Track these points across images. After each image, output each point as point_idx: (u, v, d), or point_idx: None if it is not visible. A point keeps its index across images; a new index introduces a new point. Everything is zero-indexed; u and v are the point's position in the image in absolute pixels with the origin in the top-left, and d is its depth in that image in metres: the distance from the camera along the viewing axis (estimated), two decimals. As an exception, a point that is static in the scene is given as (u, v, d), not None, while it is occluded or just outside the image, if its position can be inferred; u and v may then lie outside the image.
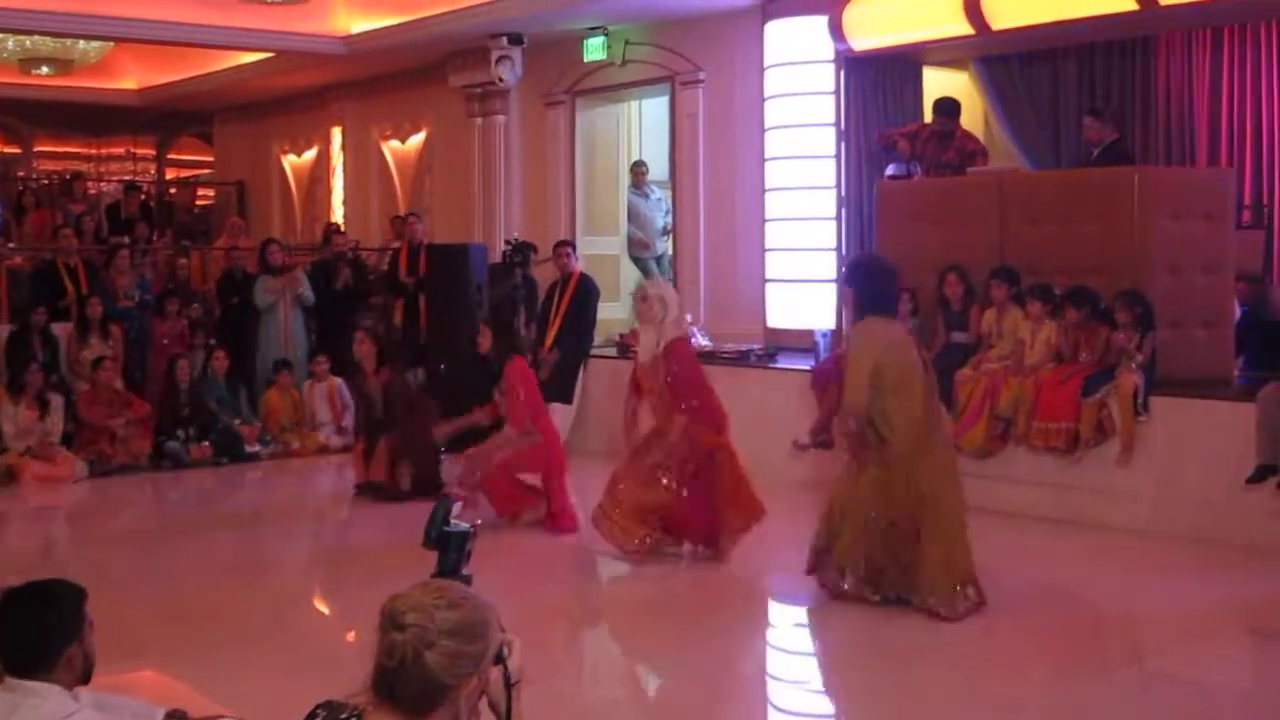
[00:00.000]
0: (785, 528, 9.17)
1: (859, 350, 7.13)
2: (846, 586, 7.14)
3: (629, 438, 8.46)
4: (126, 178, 22.74)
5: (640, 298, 8.31)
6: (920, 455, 6.99)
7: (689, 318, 8.60)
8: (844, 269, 7.85)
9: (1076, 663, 6.44)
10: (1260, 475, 8.17)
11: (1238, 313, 9.94)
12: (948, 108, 11.42)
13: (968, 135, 11.53)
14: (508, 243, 13.87)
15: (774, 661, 7.05)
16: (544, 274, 12.84)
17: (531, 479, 9.53)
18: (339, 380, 12.87)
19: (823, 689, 6.67)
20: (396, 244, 14.81)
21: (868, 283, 7.29)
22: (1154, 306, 9.01)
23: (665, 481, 8.10)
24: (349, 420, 12.83)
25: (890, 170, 11.70)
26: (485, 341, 10.43)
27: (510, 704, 2.63)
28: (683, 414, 8.04)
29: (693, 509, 8.13)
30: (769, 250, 12.93)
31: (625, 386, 8.59)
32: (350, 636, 6.97)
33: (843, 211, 12.50)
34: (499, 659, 2.57)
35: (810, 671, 6.95)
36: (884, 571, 7.08)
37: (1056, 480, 9.20)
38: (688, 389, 8.11)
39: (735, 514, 8.15)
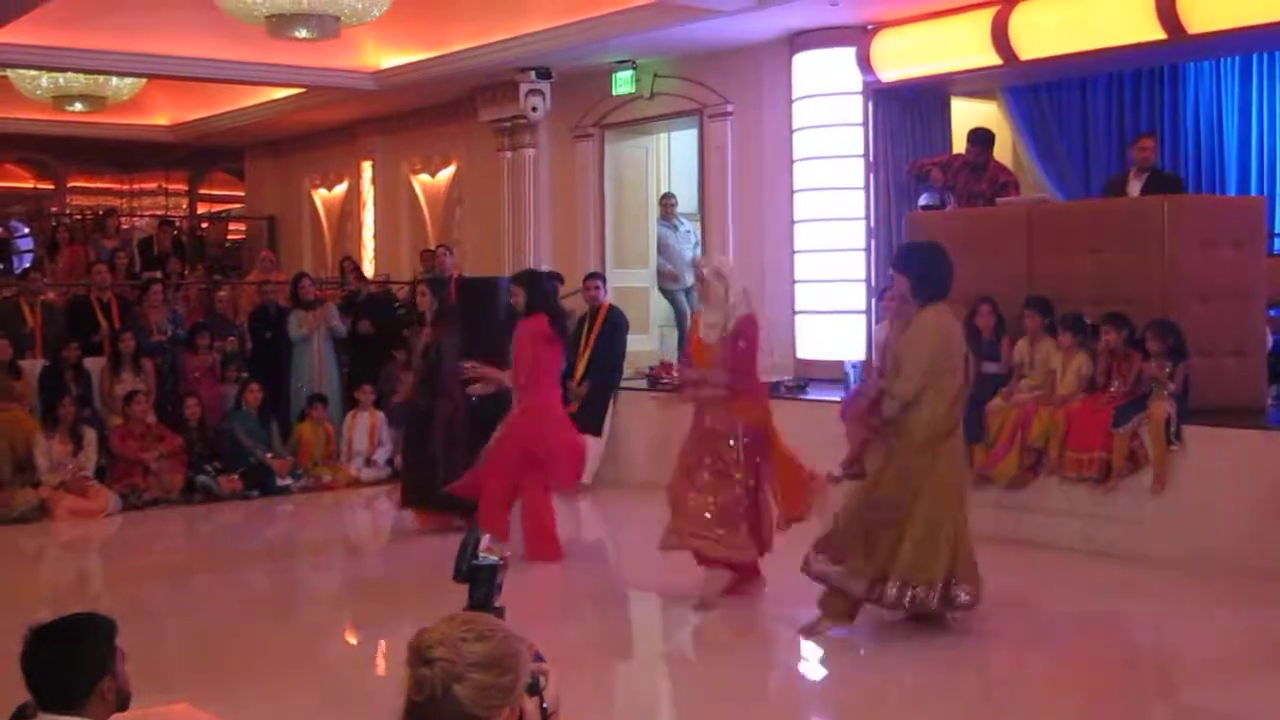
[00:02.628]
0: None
1: (920, 338, 6.94)
2: (813, 565, 7.15)
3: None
4: (159, 213, 22.93)
5: (697, 279, 8.06)
6: (925, 453, 6.94)
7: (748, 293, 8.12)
8: (897, 253, 7.61)
9: (1110, 695, 6.40)
10: (1294, 504, 8.12)
11: (1270, 340, 9.89)
12: (982, 138, 11.41)
13: (1000, 166, 11.52)
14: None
15: (806, 695, 7.02)
16: (572, 306, 12.85)
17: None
18: (381, 414, 12.93)
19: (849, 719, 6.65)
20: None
21: (929, 268, 7.10)
22: (1185, 335, 8.97)
23: (739, 476, 7.78)
24: (381, 455, 12.88)
25: (924, 200, 11.69)
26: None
27: (548, 734, 2.62)
28: (740, 396, 7.75)
29: (759, 498, 7.89)
30: (798, 282, 12.94)
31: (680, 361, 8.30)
32: (381, 670, 6.98)
33: (872, 243, 12.50)
34: (534, 689, 2.56)
35: (842, 703, 6.92)
36: (848, 548, 7.03)
37: (1089, 511, 9.14)
38: (747, 370, 7.80)
39: (791, 496, 7.89)
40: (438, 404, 10.39)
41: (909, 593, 6.90)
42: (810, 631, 7.18)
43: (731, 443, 7.79)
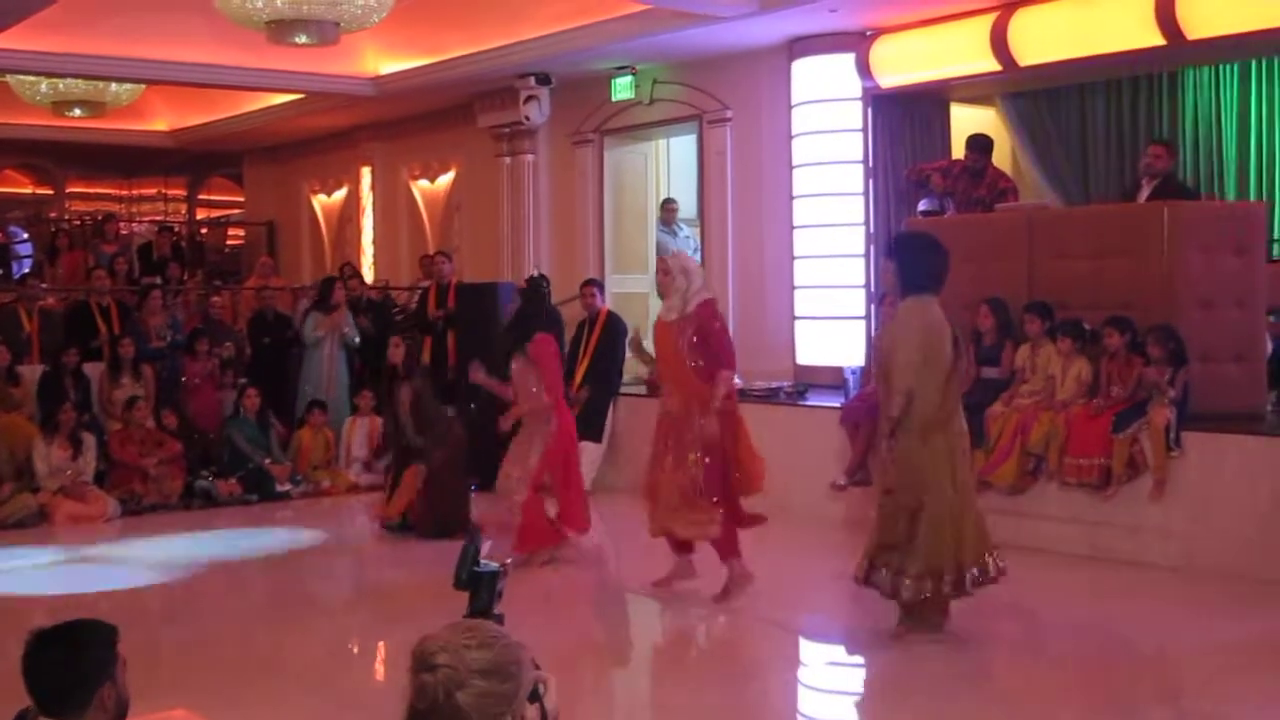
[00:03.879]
0: (817, 566, 9.17)
1: (908, 331, 6.95)
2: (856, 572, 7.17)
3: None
4: (158, 218, 22.93)
5: (662, 271, 8.18)
6: (924, 441, 6.92)
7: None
8: (891, 242, 7.59)
9: (1110, 701, 6.39)
10: (1295, 510, 8.13)
11: (1270, 346, 9.90)
12: (982, 144, 11.42)
13: (999, 173, 11.53)
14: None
15: (805, 701, 7.01)
16: (570, 313, 12.84)
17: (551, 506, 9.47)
18: (380, 419, 12.92)
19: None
20: (425, 283, 14.87)
21: (916, 258, 7.07)
22: (1185, 341, 8.97)
23: (693, 457, 7.89)
24: (380, 461, 12.88)
25: (923, 206, 11.69)
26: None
27: (548, 742, 2.62)
28: (703, 380, 7.88)
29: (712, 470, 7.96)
30: (798, 288, 12.95)
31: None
32: (381, 677, 6.97)
33: (871, 248, 12.51)
34: (535, 697, 2.56)
35: (842, 711, 6.91)
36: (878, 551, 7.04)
37: (1089, 516, 9.14)
38: (715, 349, 7.96)
39: (743, 475, 8.03)
40: (432, 446, 10.61)
41: (926, 584, 6.89)
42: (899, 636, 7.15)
43: (691, 423, 7.92)
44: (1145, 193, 10.06)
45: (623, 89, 14.59)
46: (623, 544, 10.26)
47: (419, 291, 14.82)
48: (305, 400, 13.40)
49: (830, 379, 11.82)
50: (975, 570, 6.95)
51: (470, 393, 11.12)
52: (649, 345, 8.54)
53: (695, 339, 7.95)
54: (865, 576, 7.13)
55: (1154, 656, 7.36)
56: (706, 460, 7.88)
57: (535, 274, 13.65)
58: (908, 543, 6.91)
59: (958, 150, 12.06)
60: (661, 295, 8.26)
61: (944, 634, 7.07)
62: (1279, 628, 7.67)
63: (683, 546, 8.24)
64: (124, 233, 20.26)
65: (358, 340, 13.66)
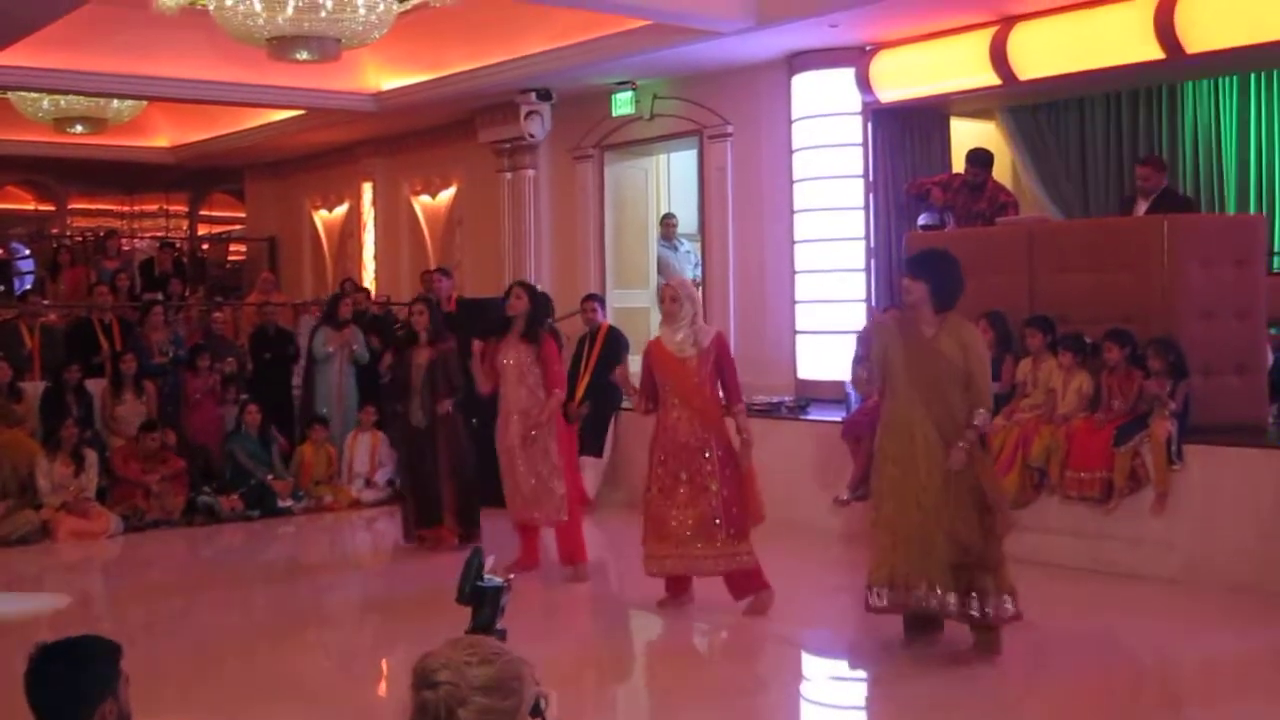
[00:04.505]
0: (819, 580, 9.17)
1: (980, 347, 7.02)
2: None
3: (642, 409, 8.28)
4: (159, 234, 22.96)
5: (671, 298, 8.11)
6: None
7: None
8: (912, 259, 7.60)
9: (1113, 715, 6.38)
10: (1296, 523, 8.13)
11: (1270, 359, 9.90)
12: (981, 159, 11.44)
13: (999, 187, 11.54)
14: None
15: (808, 715, 7.01)
16: (570, 328, 12.84)
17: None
18: (382, 435, 12.92)
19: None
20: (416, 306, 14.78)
21: (948, 274, 7.03)
22: (1186, 354, 8.97)
23: (714, 488, 7.87)
24: (382, 476, 12.88)
25: (923, 220, 11.69)
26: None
27: (548, 757, 2.63)
28: (735, 409, 7.97)
29: (729, 501, 7.94)
30: (799, 302, 12.96)
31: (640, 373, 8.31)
32: (383, 693, 6.97)
33: (872, 263, 12.52)
34: (536, 711, 2.56)
35: (844, 724, 6.92)
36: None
37: (1090, 530, 9.14)
38: (733, 383, 8.01)
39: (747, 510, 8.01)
40: (438, 423, 10.44)
41: (950, 597, 6.86)
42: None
43: (707, 454, 7.91)
44: (1143, 208, 10.08)
45: (623, 104, 14.61)
46: (623, 560, 10.25)
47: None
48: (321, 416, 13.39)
49: (832, 393, 11.81)
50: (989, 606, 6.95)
51: (473, 409, 11.10)
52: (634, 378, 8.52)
53: (717, 374, 8.00)
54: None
55: (1156, 669, 7.36)
56: (725, 493, 7.88)
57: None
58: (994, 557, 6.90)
59: (958, 164, 12.07)
60: (666, 322, 8.22)
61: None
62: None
63: (681, 584, 8.22)
64: (126, 249, 20.28)
65: (367, 358, 13.63)
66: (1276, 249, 11.44)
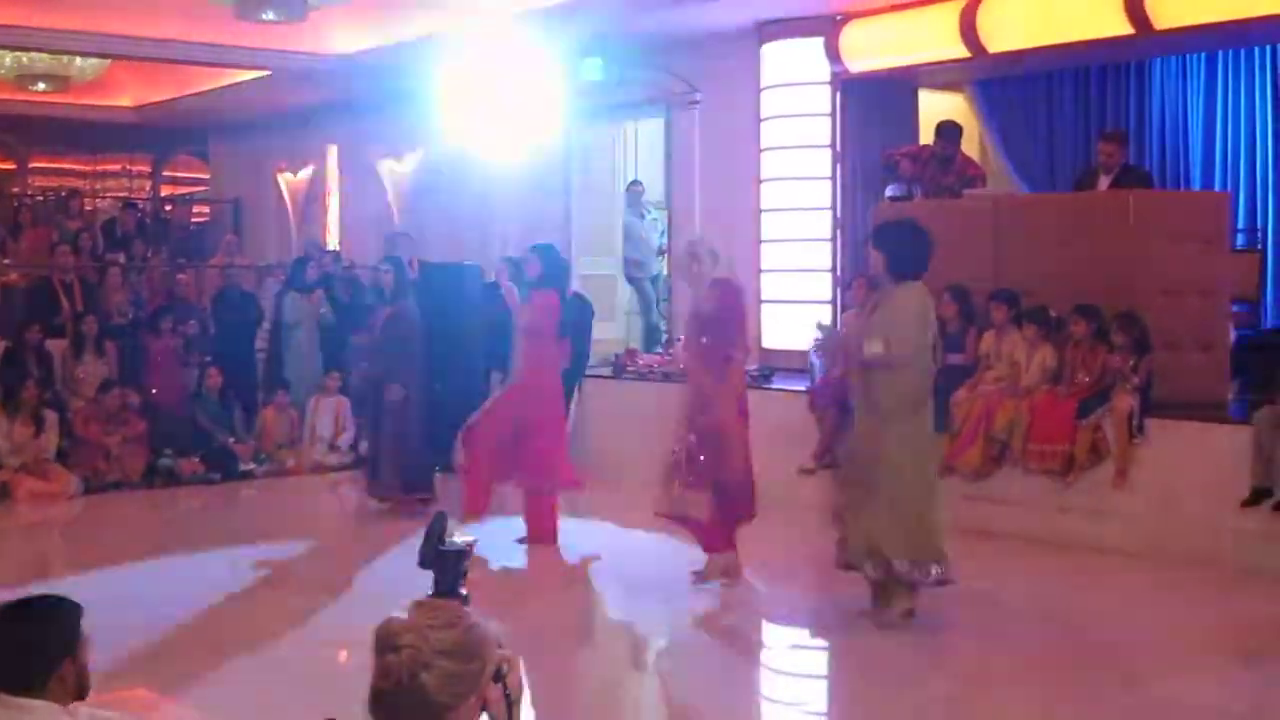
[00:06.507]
0: (784, 549, 9.19)
1: (905, 309, 6.99)
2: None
3: None
4: (122, 195, 22.74)
5: (692, 256, 7.99)
6: (889, 423, 6.96)
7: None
8: (874, 229, 7.64)
9: (1071, 686, 6.43)
10: (1255, 498, 8.19)
11: (1233, 336, 9.96)
12: (950, 132, 11.44)
13: (968, 160, 11.56)
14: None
15: (768, 683, 7.04)
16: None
17: None
18: (346, 399, 12.88)
19: (816, 711, 6.66)
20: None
21: (906, 244, 7.11)
22: (1150, 329, 9.02)
23: (693, 437, 7.89)
24: (345, 440, 12.85)
25: (890, 191, 11.69)
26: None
27: (511, 721, 2.62)
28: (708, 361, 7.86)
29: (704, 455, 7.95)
30: (764, 271, 12.94)
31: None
32: (345, 657, 6.95)
33: (838, 233, 12.52)
34: (498, 677, 2.56)
35: (804, 693, 6.94)
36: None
37: (1051, 502, 9.19)
38: (721, 331, 7.88)
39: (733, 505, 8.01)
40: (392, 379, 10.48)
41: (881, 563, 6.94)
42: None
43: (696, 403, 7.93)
44: (1105, 183, 10.11)
45: (591, 71, 14.52)
46: (587, 528, 10.26)
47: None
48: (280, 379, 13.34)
49: (796, 363, 11.81)
50: (935, 570, 6.99)
51: (436, 371, 11.05)
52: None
53: (706, 318, 7.92)
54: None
55: (1115, 642, 7.40)
56: (693, 439, 7.86)
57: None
58: (854, 514, 6.99)
59: (926, 136, 12.07)
60: (689, 283, 8.19)
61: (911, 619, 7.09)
62: (1238, 613, 7.75)
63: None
64: (88, 209, 20.08)
65: (333, 321, 13.57)
66: (1240, 226, 11.50)
